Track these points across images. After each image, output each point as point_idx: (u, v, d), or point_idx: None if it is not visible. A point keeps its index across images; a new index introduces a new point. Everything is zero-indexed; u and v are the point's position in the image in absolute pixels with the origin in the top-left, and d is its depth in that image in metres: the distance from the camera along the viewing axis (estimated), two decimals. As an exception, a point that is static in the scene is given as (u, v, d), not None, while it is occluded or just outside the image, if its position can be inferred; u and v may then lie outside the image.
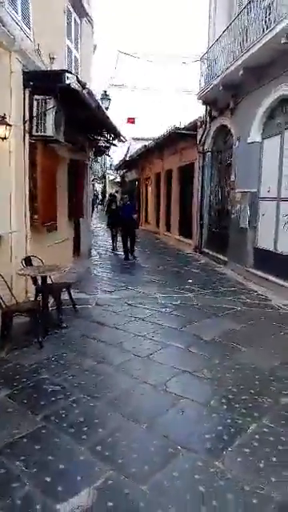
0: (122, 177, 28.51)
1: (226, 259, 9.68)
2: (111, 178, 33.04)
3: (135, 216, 11.08)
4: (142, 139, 19.59)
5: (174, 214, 14.72)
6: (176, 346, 4.42)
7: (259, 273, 7.90)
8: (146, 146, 16.66)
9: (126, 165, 24.16)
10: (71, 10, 8.28)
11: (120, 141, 10.29)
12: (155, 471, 2.43)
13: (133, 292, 7.01)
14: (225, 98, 9.46)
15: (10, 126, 4.89)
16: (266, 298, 6.67)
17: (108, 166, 31.99)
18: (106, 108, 12.74)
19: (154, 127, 19.05)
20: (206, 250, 11.35)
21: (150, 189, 19.79)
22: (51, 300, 5.26)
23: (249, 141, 8.36)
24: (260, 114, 7.90)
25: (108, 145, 10.83)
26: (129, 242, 10.68)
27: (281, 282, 6.97)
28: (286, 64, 6.75)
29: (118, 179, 30.74)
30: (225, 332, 4.91)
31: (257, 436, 2.77)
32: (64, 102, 6.61)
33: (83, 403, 3.20)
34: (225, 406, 3.17)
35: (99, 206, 33.27)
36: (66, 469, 2.46)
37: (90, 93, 6.01)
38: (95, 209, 27.83)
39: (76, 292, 6.65)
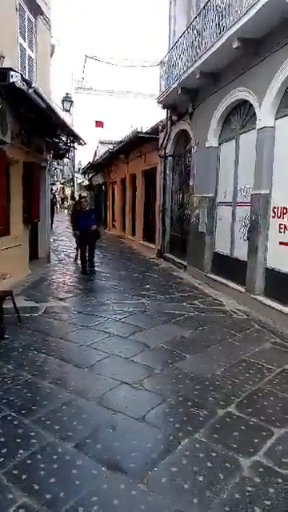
0: (90, 180, 28.24)
1: (185, 264, 9.63)
2: (79, 181, 32.67)
3: (94, 227, 9.28)
4: (109, 143, 19.42)
5: (139, 218, 14.61)
6: (119, 356, 4.24)
7: (216, 278, 7.87)
8: (109, 150, 16.48)
9: (94, 168, 23.92)
10: (24, 7, 8.03)
11: (79, 144, 10.08)
12: (72, 497, 2.24)
13: (86, 299, 6.81)
14: (184, 102, 9.45)
15: None
16: (220, 303, 6.62)
17: (77, 169, 31.63)
18: (67, 110, 12.55)
19: (122, 131, 18.94)
20: (168, 255, 11.29)
21: (116, 193, 19.63)
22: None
23: (206, 145, 8.36)
24: (216, 119, 7.90)
25: (68, 147, 10.57)
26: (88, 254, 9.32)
27: (236, 286, 6.95)
28: (239, 68, 6.77)
29: (87, 182, 30.43)
30: (172, 339, 4.79)
31: (187, 452, 2.63)
32: (14, 102, 6.39)
33: (8, 421, 2.98)
34: (159, 421, 3.02)
35: (65, 210, 32.87)
36: (-27, 498, 2.24)
37: (36, 92, 5.79)
38: (58, 212, 27.34)
39: (25, 300, 6.43)
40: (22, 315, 5.46)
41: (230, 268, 7.40)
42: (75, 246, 10.68)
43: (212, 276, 8.08)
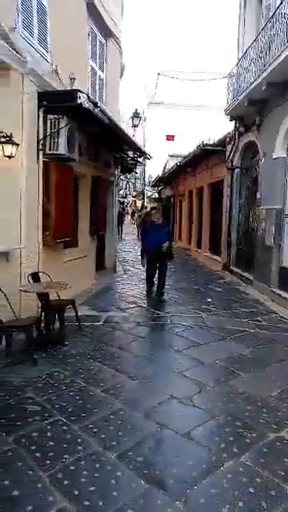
0: (159, 193, 28.66)
1: (251, 278, 9.34)
2: (149, 194, 33.27)
3: (165, 245, 7.55)
4: (179, 156, 19.58)
5: (205, 230, 14.50)
6: (172, 370, 4.23)
7: (283, 293, 7.52)
8: (177, 163, 16.63)
9: (163, 181, 24.26)
10: (96, 31, 8.49)
11: (145, 158, 10.31)
12: (109, 507, 2.27)
13: (146, 310, 6.90)
14: (251, 113, 9.28)
15: (17, 144, 5.00)
16: (285, 321, 6.31)
17: (147, 182, 32.30)
18: (136, 125, 12.93)
19: (192, 144, 19.04)
20: (234, 268, 11.02)
21: (183, 205, 19.69)
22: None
23: (274, 156, 8.09)
24: (285, 129, 7.65)
25: (135, 162, 10.87)
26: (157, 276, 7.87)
27: (303, 304, 6.59)
28: (308, 77, 6.52)
29: (156, 195, 30.94)
30: (228, 356, 4.65)
31: (229, 475, 2.53)
32: (83, 121, 6.75)
33: (58, 426, 3.10)
34: (204, 439, 2.95)
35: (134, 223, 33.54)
36: (19, 496, 2.36)
37: (102, 111, 6.06)
38: (124, 223, 27.92)
39: (88, 309, 6.66)
40: (83, 324, 5.67)
41: (298, 284, 7.04)
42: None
43: (279, 291, 7.74)
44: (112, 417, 3.25)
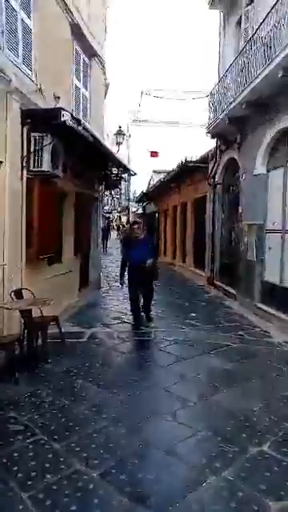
0: (144, 208, 28.86)
1: (235, 292, 9.44)
2: (134, 209, 33.48)
3: (149, 262, 6.58)
4: (163, 172, 19.82)
5: (189, 245, 14.64)
6: (155, 386, 4.23)
7: (266, 308, 7.61)
8: (161, 179, 16.84)
9: (147, 197, 24.46)
10: (80, 51, 8.65)
11: (129, 174, 10.43)
12: (91, 526, 2.26)
13: (130, 326, 6.87)
14: (232, 131, 9.51)
15: (0, 162, 5.03)
16: (268, 335, 6.38)
17: (132, 198, 32.51)
18: (120, 143, 13.11)
19: (176, 160, 19.32)
20: (218, 283, 11.12)
21: (167, 220, 19.86)
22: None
23: (254, 173, 8.29)
24: (264, 147, 7.85)
25: (119, 178, 10.98)
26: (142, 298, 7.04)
27: (286, 318, 6.68)
28: (286, 97, 6.74)
29: (141, 211, 31.12)
30: (211, 371, 4.68)
31: (211, 490, 2.54)
32: (66, 138, 6.83)
33: (41, 445, 3.07)
34: (186, 455, 2.96)
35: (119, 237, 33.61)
36: (-1, 519, 2.33)
37: (86, 128, 6.14)
38: (109, 239, 27.96)
39: (72, 325, 6.63)
40: (67, 340, 5.64)
41: (281, 298, 7.14)
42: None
43: (261, 306, 7.83)
44: (95, 435, 3.24)
